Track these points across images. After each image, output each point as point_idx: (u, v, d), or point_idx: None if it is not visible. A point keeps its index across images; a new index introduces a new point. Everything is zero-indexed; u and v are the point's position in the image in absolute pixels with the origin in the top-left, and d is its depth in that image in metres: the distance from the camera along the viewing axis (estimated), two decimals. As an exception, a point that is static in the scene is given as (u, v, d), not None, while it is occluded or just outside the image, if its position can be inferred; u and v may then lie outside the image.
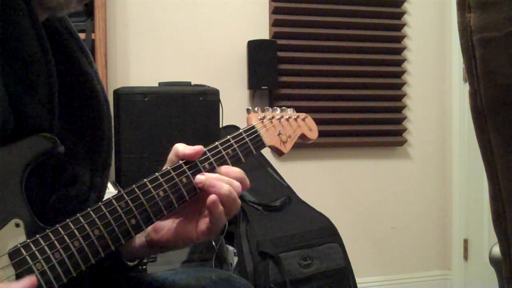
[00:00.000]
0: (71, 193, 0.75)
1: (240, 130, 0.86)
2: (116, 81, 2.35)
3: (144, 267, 1.84)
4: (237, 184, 0.78)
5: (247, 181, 0.80)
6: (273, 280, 1.87)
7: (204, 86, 2.22)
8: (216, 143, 0.82)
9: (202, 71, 2.50)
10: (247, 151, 0.85)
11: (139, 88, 2.10)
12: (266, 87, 2.54)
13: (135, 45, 2.45)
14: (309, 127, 1.00)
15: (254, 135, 0.87)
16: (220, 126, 2.17)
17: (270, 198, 2.16)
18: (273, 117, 0.93)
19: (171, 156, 0.80)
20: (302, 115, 1.00)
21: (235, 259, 1.97)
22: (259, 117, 0.91)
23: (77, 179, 0.76)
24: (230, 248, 2.03)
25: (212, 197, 0.74)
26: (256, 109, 0.93)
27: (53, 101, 0.71)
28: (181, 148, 0.78)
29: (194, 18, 2.53)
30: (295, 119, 0.98)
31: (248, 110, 0.93)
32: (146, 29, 2.47)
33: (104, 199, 0.72)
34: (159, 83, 2.20)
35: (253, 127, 0.88)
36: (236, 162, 0.83)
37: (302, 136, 0.99)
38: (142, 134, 2.00)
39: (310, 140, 1.01)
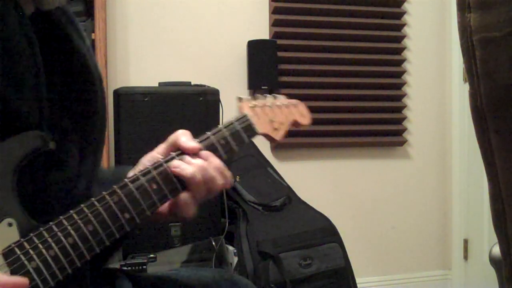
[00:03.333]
0: (57, 178, 0.73)
1: (232, 119, 0.85)
2: (116, 81, 2.35)
3: (144, 267, 1.84)
4: (210, 171, 0.77)
5: (227, 175, 0.80)
6: (273, 280, 1.87)
7: (204, 86, 2.22)
8: (208, 133, 0.82)
9: (202, 71, 2.49)
10: (239, 139, 0.84)
11: (139, 88, 2.10)
12: (266, 87, 2.54)
13: (135, 45, 2.45)
14: (301, 113, 0.98)
15: (245, 123, 0.86)
16: (220, 126, 2.17)
17: (270, 198, 2.16)
18: (264, 105, 0.91)
19: (170, 139, 0.80)
20: (294, 101, 0.98)
21: (235, 259, 1.97)
22: (250, 105, 0.90)
23: (63, 161, 0.74)
24: (230, 248, 2.03)
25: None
26: (247, 97, 0.92)
27: (41, 96, 0.70)
28: (183, 139, 0.79)
29: (194, 18, 2.53)
30: (287, 106, 0.96)
31: (239, 99, 0.91)
32: (146, 29, 2.47)
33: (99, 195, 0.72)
34: (159, 83, 2.20)
35: (244, 116, 0.87)
36: (228, 152, 0.82)
37: (295, 123, 0.96)
38: (142, 134, 2.00)
39: (303, 126, 0.98)
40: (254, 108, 0.89)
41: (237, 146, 0.83)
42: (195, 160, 0.77)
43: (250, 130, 0.86)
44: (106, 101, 0.84)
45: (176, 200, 0.77)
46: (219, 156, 0.81)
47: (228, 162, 0.82)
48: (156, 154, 0.80)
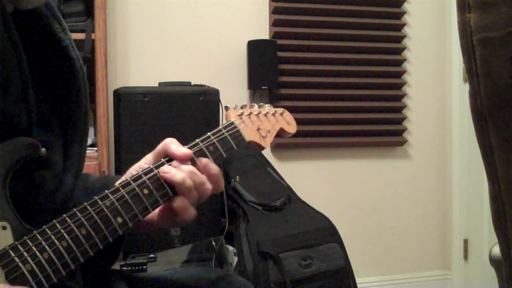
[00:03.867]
0: (46, 177, 0.73)
1: (220, 127, 0.87)
2: (116, 81, 2.35)
3: (144, 267, 1.84)
4: (200, 176, 0.78)
5: (220, 183, 0.81)
6: (273, 280, 1.87)
7: (204, 86, 2.22)
8: (197, 140, 0.83)
9: (202, 71, 2.50)
10: (228, 146, 0.86)
11: (139, 88, 2.10)
12: (266, 87, 2.54)
13: (135, 45, 2.45)
14: (287, 121, 1.01)
15: (233, 131, 0.88)
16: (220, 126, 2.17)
17: (270, 198, 2.15)
18: (251, 113, 0.94)
19: (159, 148, 0.81)
20: (280, 110, 1.01)
21: (235, 259, 1.97)
22: (238, 114, 0.92)
23: (51, 161, 0.74)
24: (230, 248, 2.03)
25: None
26: (234, 106, 0.94)
27: (28, 98, 0.70)
28: (173, 147, 0.79)
29: (194, 18, 2.53)
30: (273, 114, 0.98)
31: (226, 108, 0.94)
32: (146, 29, 2.47)
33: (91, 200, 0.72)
34: (159, 83, 2.20)
35: (232, 123, 0.89)
36: (218, 158, 0.83)
37: (281, 131, 0.99)
38: (142, 134, 2.00)
39: (289, 134, 1.01)
40: (241, 116, 0.91)
41: (225, 153, 0.85)
42: (184, 166, 0.78)
43: (238, 137, 0.88)
44: (88, 92, 0.83)
45: (171, 206, 0.78)
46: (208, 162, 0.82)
47: (225, 164, 0.84)
48: (143, 164, 0.81)
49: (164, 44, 2.49)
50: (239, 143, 0.88)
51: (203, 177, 0.78)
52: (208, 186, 0.79)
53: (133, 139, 2.00)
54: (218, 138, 0.85)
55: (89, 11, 2.14)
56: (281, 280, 1.87)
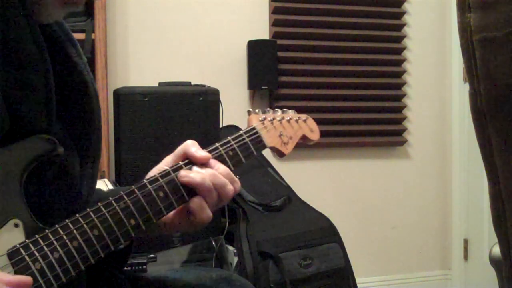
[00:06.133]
0: (62, 186, 0.74)
1: (241, 131, 0.86)
2: (116, 81, 2.35)
3: (144, 267, 1.84)
4: (221, 178, 0.78)
5: (237, 184, 0.80)
6: (273, 280, 1.87)
7: (204, 86, 2.22)
8: (216, 144, 0.82)
9: (202, 71, 2.49)
10: (248, 152, 0.84)
11: (139, 88, 2.09)
12: (266, 87, 2.54)
13: (135, 45, 2.45)
14: (310, 128, 1.00)
15: (254, 136, 0.86)
16: (220, 126, 2.17)
17: (270, 198, 2.16)
18: (274, 119, 0.92)
19: (179, 150, 0.80)
20: (303, 116, 0.99)
21: (235, 259, 1.97)
22: (260, 119, 0.90)
23: (68, 171, 0.76)
24: (230, 248, 2.03)
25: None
26: (257, 110, 0.93)
27: (51, 102, 0.70)
28: (193, 149, 0.79)
29: (194, 18, 2.53)
30: (296, 121, 0.97)
31: (249, 112, 0.92)
32: (146, 29, 2.47)
33: (105, 201, 0.72)
34: (159, 83, 2.20)
35: (253, 128, 0.87)
36: (236, 163, 0.82)
37: (304, 137, 0.98)
38: (142, 134, 2.00)
39: (311, 141, 1.00)
40: (263, 122, 0.90)
41: (245, 158, 0.84)
42: (203, 170, 0.78)
43: (259, 143, 0.87)
44: (101, 115, 0.85)
45: (188, 206, 0.77)
46: (227, 167, 0.81)
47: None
48: (164, 166, 0.80)
49: (164, 44, 2.49)
50: (260, 148, 0.87)
51: (224, 179, 0.78)
52: (230, 187, 0.78)
53: (133, 139, 1.99)
54: (238, 144, 0.84)
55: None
56: (281, 280, 1.87)
